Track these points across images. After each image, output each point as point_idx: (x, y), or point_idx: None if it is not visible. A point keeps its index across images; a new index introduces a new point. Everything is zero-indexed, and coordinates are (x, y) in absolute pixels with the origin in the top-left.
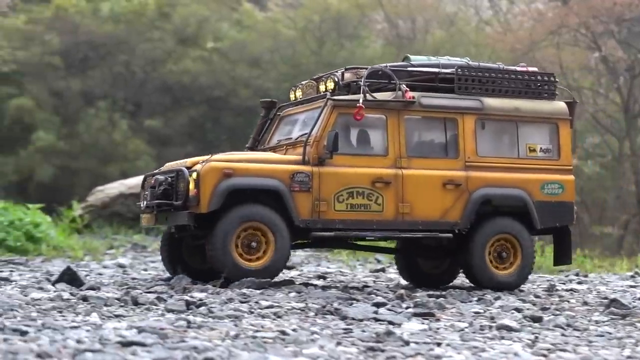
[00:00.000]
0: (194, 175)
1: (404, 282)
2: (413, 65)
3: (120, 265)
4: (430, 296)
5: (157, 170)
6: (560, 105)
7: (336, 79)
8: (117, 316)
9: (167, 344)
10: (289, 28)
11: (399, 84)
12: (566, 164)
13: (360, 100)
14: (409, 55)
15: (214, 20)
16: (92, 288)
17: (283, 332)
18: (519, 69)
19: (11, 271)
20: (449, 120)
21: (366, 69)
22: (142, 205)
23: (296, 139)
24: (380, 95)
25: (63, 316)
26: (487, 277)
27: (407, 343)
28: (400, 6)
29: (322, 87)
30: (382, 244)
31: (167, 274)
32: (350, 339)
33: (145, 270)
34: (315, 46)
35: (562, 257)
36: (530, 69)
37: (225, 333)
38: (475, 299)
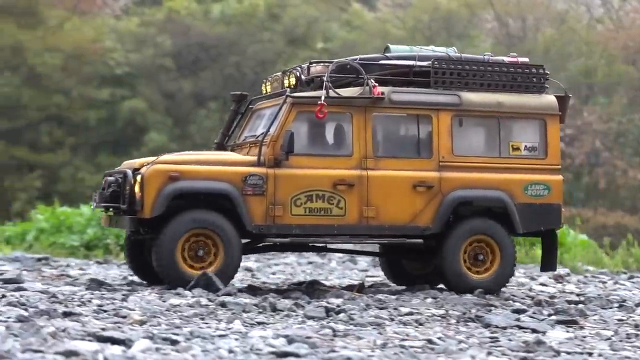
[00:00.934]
0: (139, 178)
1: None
2: (388, 58)
3: (248, 269)
4: (569, 302)
5: (115, 169)
6: (548, 99)
7: (298, 74)
8: (259, 324)
9: (319, 354)
10: (398, 28)
11: (367, 79)
12: (554, 163)
13: (322, 97)
14: (389, 45)
15: (323, 20)
16: (228, 294)
17: (430, 341)
18: (506, 60)
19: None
20: (422, 117)
21: (329, 62)
22: (93, 206)
23: (257, 137)
24: (346, 91)
25: (206, 323)
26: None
27: (558, 353)
28: (511, 5)
29: (286, 82)
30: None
31: (298, 278)
32: (499, 349)
33: (274, 274)
34: (425, 45)
35: (547, 263)
36: (521, 59)
37: (373, 342)
38: (616, 305)
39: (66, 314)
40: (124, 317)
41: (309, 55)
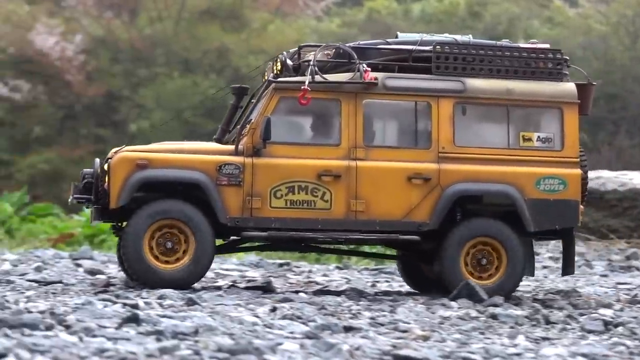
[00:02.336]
0: (106, 166)
1: None
2: (388, 44)
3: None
4: None
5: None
6: (566, 87)
7: (283, 59)
8: (543, 339)
9: None
10: (601, 24)
11: (359, 64)
12: (571, 155)
13: (306, 82)
14: (398, 33)
15: (524, 17)
16: (494, 304)
17: None
18: (523, 45)
19: (387, 281)
20: (421, 105)
21: (319, 46)
22: (70, 199)
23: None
24: (335, 77)
25: (489, 338)
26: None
27: None
28: None
29: (275, 69)
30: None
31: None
32: None
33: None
34: (628, 41)
35: (565, 266)
36: (541, 45)
37: None
38: None
39: (347, 329)
40: (404, 331)
41: None
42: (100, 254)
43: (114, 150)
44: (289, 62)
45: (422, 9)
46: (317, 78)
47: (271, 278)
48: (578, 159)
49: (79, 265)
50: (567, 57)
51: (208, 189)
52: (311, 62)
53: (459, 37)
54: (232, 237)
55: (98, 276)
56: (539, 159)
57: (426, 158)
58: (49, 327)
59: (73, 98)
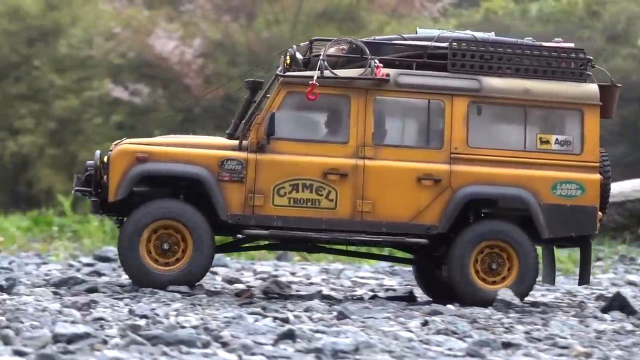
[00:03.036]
0: (105, 158)
1: None
2: (404, 39)
3: (632, 283)
4: None
5: None
6: (587, 88)
7: (292, 53)
8: None
9: None
10: None
11: (371, 59)
12: (591, 159)
13: (315, 77)
14: (418, 28)
15: None
16: None
17: None
18: (546, 44)
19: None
20: (433, 103)
21: (329, 40)
22: (73, 191)
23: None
24: (346, 72)
25: None
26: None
27: None
28: None
29: (285, 63)
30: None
31: None
32: None
33: None
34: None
35: (581, 275)
36: (565, 45)
37: None
38: None
39: (505, 345)
40: (564, 347)
41: (629, 53)
42: (233, 260)
43: (115, 142)
44: (298, 56)
45: (540, 9)
46: (327, 73)
47: (410, 287)
48: (598, 164)
49: (214, 273)
50: (591, 58)
51: (209, 184)
52: (321, 57)
53: (480, 34)
54: (238, 235)
55: (236, 285)
56: (557, 162)
57: (437, 159)
58: (206, 345)
59: (192, 101)
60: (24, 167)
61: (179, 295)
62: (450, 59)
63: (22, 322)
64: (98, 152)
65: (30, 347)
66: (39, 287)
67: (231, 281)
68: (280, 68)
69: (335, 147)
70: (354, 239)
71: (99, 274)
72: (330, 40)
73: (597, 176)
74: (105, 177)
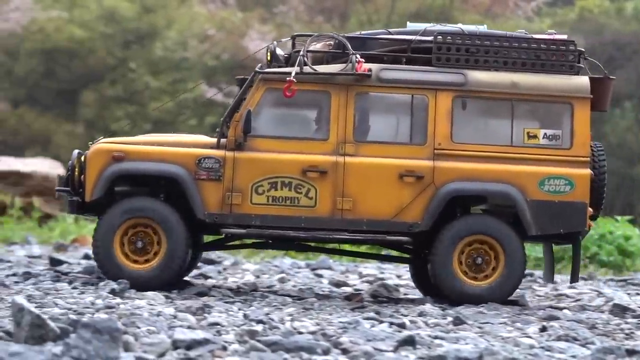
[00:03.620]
0: (83, 157)
1: None
2: (390, 34)
3: None
4: None
5: None
6: (577, 80)
7: (273, 49)
8: None
9: None
10: None
11: (353, 55)
12: (580, 154)
13: (292, 74)
14: (408, 22)
15: None
16: None
17: None
18: (540, 36)
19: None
20: (417, 98)
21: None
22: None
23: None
24: (326, 68)
25: None
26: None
27: None
28: None
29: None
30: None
31: None
32: None
33: None
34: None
35: (572, 273)
36: (559, 36)
37: None
38: None
39: (630, 352)
40: None
41: None
42: (336, 262)
43: (92, 142)
44: (279, 51)
45: (635, 7)
46: (307, 69)
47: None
48: (588, 158)
49: (319, 276)
50: (583, 50)
51: (185, 183)
52: (301, 53)
53: (472, 27)
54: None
55: (343, 288)
56: (545, 157)
57: (420, 155)
58: (326, 351)
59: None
60: None
61: (289, 299)
62: (435, 52)
63: (138, 327)
64: (76, 151)
65: (150, 353)
66: (150, 291)
67: (338, 284)
68: (259, 65)
69: (315, 144)
70: (334, 238)
71: (205, 276)
72: (311, 35)
73: (587, 171)
74: (82, 175)
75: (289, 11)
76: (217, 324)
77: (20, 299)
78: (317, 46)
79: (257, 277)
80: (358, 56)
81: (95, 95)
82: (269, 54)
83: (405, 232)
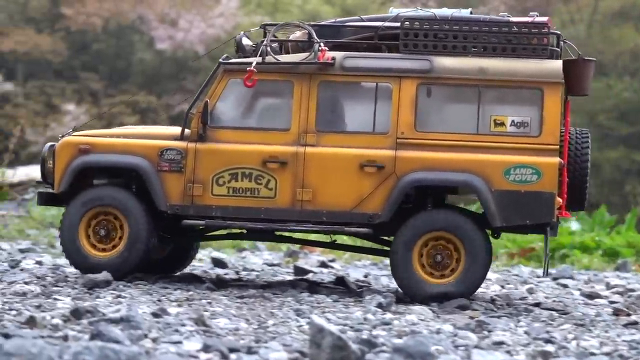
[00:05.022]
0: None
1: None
2: (362, 21)
3: None
4: None
5: None
6: (549, 64)
7: (239, 39)
8: None
9: None
10: None
11: (317, 43)
12: (549, 142)
13: (253, 64)
14: (391, 8)
15: None
16: None
17: None
18: (517, 20)
19: None
20: (381, 86)
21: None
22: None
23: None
24: (288, 57)
25: None
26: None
27: None
28: None
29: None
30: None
31: None
32: None
33: None
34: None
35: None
36: (539, 19)
37: None
38: None
39: None
40: None
41: None
42: (574, 271)
43: (62, 134)
44: (244, 41)
45: None
46: (270, 59)
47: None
48: (557, 146)
49: (564, 286)
50: (559, 33)
51: (147, 175)
52: (264, 42)
53: (455, 12)
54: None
55: (597, 300)
56: (511, 145)
57: (382, 144)
58: None
59: None
60: None
61: (555, 313)
62: (402, 39)
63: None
64: (47, 144)
65: None
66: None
67: (591, 296)
68: (224, 56)
69: (276, 134)
70: (292, 229)
71: None
72: (276, 25)
73: (556, 160)
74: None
75: (489, 11)
76: (502, 342)
77: (318, 319)
78: (297, 35)
79: (502, 287)
80: (322, 45)
81: None
82: (235, 44)
83: (365, 223)
